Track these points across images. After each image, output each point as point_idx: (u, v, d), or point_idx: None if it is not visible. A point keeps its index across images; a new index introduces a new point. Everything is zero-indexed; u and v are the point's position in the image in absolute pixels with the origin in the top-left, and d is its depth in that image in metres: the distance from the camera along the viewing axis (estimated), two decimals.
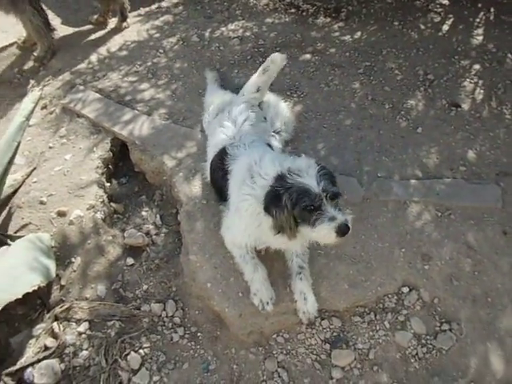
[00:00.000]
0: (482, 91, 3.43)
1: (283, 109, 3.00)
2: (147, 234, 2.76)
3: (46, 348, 2.23)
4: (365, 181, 2.80)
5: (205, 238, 2.48)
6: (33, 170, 2.93)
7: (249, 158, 2.19)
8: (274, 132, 2.81)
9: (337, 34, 4.07)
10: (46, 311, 2.35)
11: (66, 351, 2.24)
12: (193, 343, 2.28)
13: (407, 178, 2.83)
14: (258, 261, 2.26)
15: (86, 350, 2.24)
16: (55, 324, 2.29)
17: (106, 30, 4.07)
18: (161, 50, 3.82)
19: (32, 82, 3.58)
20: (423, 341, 2.21)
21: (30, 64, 3.80)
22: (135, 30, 4.07)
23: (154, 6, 4.44)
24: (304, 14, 4.36)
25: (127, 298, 2.46)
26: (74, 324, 2.32)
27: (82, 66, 3.65)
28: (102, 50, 3.82)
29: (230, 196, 2.29)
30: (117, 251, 2.64)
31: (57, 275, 2.47)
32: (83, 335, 2.29)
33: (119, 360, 2.20)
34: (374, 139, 3.07)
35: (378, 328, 2.25)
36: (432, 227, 2.57)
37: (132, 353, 2.22)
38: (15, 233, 2.60)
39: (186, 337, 2.30)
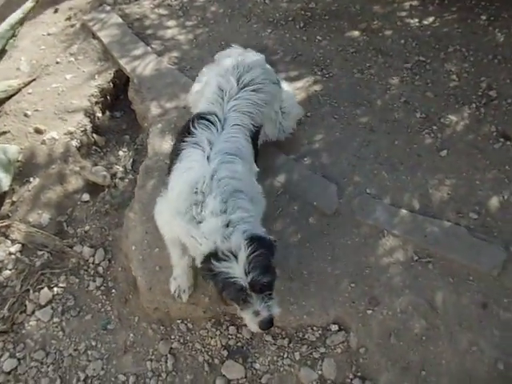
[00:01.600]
0: None
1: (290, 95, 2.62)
2: (113, 175, 2.67)
3: None
4: (348, 192, 2.42)
5: (150, 198, 2.31)
6: (32, 81, 2.91)
7: (198, 171, 1.82)
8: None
9: (403, 13, 3.45)
10: None
11: None
12: (104, 297, 2.21)
13: (399, 205, 2.39)
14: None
15: (10, 270, 2.27)
16: None
17: None
18: None
19: None
20: None
21: None
22: None
23: None
24: None
25: (66, 234, 2.43)
26: (8, 242, 2.35)
27: None
28: None
29: (169, 180, 1.99)
30: (78, 184, 2.59)
31: (13, 189, 2.49)
32: (12, 256, 2.31)
33: (31, 291, 2.20)
34: (383, 148, 2.63)
35: (285, 356, 2.00)
36: (399, 270, 2.17)
37: (46, 288, 2.21)
38: None
39: (101, 289, 2.24)
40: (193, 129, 2.01)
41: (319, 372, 1.96)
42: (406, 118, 2.80)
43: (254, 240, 1.67)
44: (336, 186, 2.42)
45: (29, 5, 2.44)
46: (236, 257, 1.64)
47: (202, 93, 2.31)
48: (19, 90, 2.85)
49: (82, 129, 2.72)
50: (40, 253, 2.32)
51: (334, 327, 2.05)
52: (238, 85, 2.16)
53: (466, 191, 2.48)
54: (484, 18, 3.45)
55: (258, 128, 2.22)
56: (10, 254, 2.31)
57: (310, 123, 2.69)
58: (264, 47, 3.09)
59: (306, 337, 2.04)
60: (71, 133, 2.66)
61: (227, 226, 1.70)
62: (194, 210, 1.74)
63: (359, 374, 1.96)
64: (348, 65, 3.05)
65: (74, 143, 2.66)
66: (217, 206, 1.71)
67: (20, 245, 2.34)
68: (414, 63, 3.12)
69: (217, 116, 2.05)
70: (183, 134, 2.06)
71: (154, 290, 2.11)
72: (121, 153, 2.78)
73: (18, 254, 2.31)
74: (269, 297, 1.72)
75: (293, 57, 3.07)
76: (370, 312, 2.06)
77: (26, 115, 2.74)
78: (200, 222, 1.72)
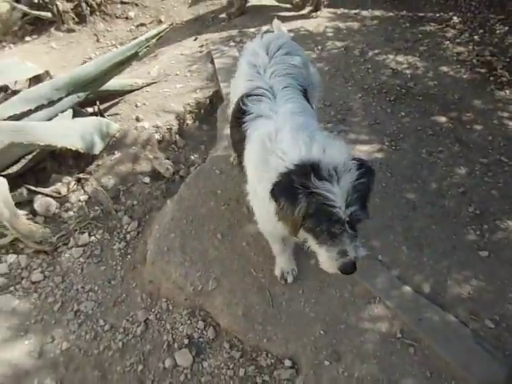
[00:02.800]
0: None
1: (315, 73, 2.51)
2: (177, 171, 3.14)
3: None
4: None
5: (190, 193, 2.70)
6: (152, 83, 3.64)
7: (268, 127, 1.74)
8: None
9: (505, 114, 3.37)
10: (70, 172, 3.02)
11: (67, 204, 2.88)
12: (120, 258, 2.59)
13: (406, 282, 2.33)
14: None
15: (73, 212, 2.81)
16: (70, 184, 2.95)
17: (294, 13, 4.39)
18: (319, 47, 3.95)
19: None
20: None
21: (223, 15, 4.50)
22: (317, 22, 4.27)
23: (354, 11, 4.50)
24: (491, 77, 3.69)
25: (119, 200, 2.90)
26: (82, 191, 2.93)
27: (251, 30, 4.12)
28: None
29: (246, 170, 1.92)
30: (146, 168, 3.09)
31: (102, 155, 3.13)
32: (79, 203, 2.85)
33: (77, 232, 2.70)
34: (416, 227, 2.58)
35: (231, 367, 2.10)
36: (375, 339, 2.11)
37: (87, 234, 2.70)
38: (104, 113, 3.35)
39: (121, 251, 2.63)
40: (245, 107, 1.89)
41: None
42: (456, 207, 2.71)
43: (361, 165, 1.47)
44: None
45: (164, 27, 3.18)
46: (339, 179, 1.41)
47: (237, 81, 2.25)
48: (141, 87, 3.60)
49: (168, 127, 3.29)
50: (96, 207, 2.87)
51: (288, 363, 2.08)
52: (268, 54, 2.09)
53: (492, 299, 2.29)
54: None
55: (305, 89, 2.11)
56: (79, 201, 2.90)
57: None
58: (348, 108, 3.33)
59: (258, 359, 2.12)
60: (158, 127, 3.25)
61: (331, 142, 1.55)
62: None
63: None
64: (420, 144, 3.08)
65: (157, 136, 3.22)
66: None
67: (87, 196, 2.92)
68: (493, 161, 3.01)
69: (262, 88, 1.93)
70: (237, 117, 1.95)
71: (155, 265, 2.43)
72: (192, 157, 3.26)
73: (83, 203, 2.88)
74: (357, 235, 1.52)
75: (370, 123, 3.23)
76: (327, 364, 2.05)
77: (136, 106, 3.45)
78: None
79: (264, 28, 4.14)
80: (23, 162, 2.92)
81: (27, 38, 4.41)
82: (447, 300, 2.28)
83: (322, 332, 2.14)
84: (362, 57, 3.85)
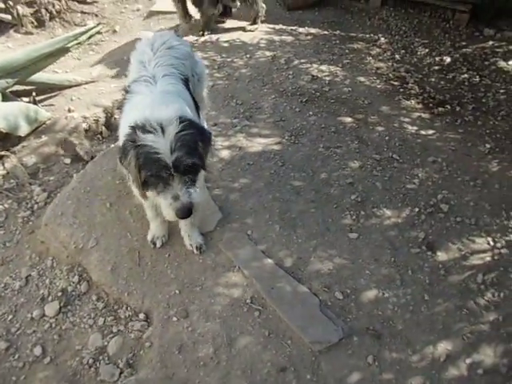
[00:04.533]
0: None
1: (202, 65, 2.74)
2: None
3: None
4: (229, 225, 2.60)
5: (95, 169, 2.91)
6: (90, 82, 3.91)
7: (141, 99, 1.93)
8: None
9: (406, 119, 3.59)
10: None
11: None
12: (21, 224, 2.74)
13: (270, 256, 2.47)
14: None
15: None
16: None
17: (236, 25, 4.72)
18: (248, 55, 4.24)
19: None
20: None
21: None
22: (254, 35, 4.59)
23: (291, 27, 4.82)
24: (402, 89, 3.95)
25: (37, 176, 3.09)
26: (1, 167, 3.15)
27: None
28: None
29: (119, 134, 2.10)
30: (68, 152, 3.31)
31: (29, 138, 3.36)
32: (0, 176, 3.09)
33: None
34: (295, 210, 2.74)
35: (92, 316, 2.24)
36: (225, 302, 2.24)
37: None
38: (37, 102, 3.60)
39: (24, 218, 2.77)
40: (129, 89, 2.08)
41: (105, 343, 2.15)
42: (340, 195, 2.87)
43: (186, 121, 1.63)
44: (221, 215, 2.64)
45: (92, 26, 3.50)
46: (163, 131, 1.56)
47: (128, 78, 2.41)
48: (80, 84, 3.86)
49: (95, 118, 3.50)
50: (12, 181, 3.05)
51: (142, 316, 2.22)
52: (152, 50, 2.27)
53: (349, 274, 2.43)
54: (488, 146, 3.36)
55: (186, 78, 2.30)
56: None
57: (244, 170, 2.99)
58: (258, 107, 3.56)
59: (118, 311, 2.25)
60: (86, 118, 3.48)
61: (164, 105, 1.69)
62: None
63: (131, 361, 2.08)
64: (319, 140, 3.28)
65: (84, 125, 3.45)
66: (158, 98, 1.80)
67: (6, 172, 3.12)
68: (385, 157, 3.19)
69: (145, 75, 2.10)
70: (123, 99, 2.17)
71: (47, 227, 2.59)
72: (113, 145, 3.48)
73: (0, 177, 3.09)
74: (192, 183, 1.65)
75: (275, 120, 3.44)
76: (174, 319, 2.18)
77: (71, 99, 3.70)
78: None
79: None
80: None
81: None
82: (305, 274, 2.41)
83: (177, 291, 2.29)
84: (287, 65, 4.12)
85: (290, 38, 4.58)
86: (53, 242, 2.56)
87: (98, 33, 4.75)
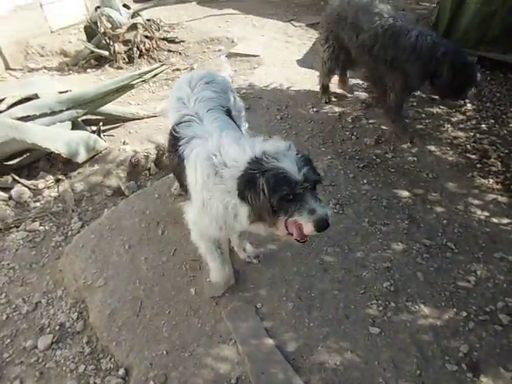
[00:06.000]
0: None
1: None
2: None
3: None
4: (240, 294, 2.50)
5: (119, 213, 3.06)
6: (152, 116, 4.20)
7: (206, 145, 1.97)
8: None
9: (476, 202, 3.20)
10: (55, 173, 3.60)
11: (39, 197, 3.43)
12: (53, 249, 2.98)
13: (274, 336, 2.32)
14: (226, 257, 2.45)
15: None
16: (49, 182, 3.52)
17: None
18: (315, 109, 4.20)
19: None
20: None
21: None
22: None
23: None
24: (479, 164, 3.53)
25: (80, 203, 3.39)
26: (55, 189, 3.48)
27: None
28: None
29: (189, 188, 2.11)
30: (113, 183, 3.51)
31: (85, 165, 3.68)
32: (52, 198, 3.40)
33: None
34: (317, 288, 2.57)
35: (76, 361, 2.28)
36: (208, 377, 2.13)
37: (37, 223, 3.19)
38: (101, 132, 3.95)
39: (59, 243, 3.00)
40: (177, 134, 2.15)
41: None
42: (371, 280, 2.62)
43: (294, 148, 1.79)
44: (233, 281, 2.54)
45: (156, 66, 3.78)
46: (285, 155, 1.69)
47: (169, 116, 2.50)
48: (142, 118, 4.17)
49: (146, 154, 3.74)
50: (60, 204, 3.31)
51: (121, 372, 2.22)
52: (190, 86, 2.39)
53: (357, 377, 2.18)
54: None
55: (228, 109, 2.41)
56: (50, 196, 3.38)
57: None
58: None
59: (101, 361, 2.28)
60: (136, 152, 3.72)
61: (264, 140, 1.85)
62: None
63: None
64: (366, 213, 3.07)
65: (133, 160, 3.69)
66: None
67: (58, 194, 3.42)
68: (437, 244, 2.86)
69: (188, 114, 2.20)
70: (172, 144, 2.21)
71: (67, 257, 2.81)
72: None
73: (52, 199, 3.35)
74: (318, 199, 1.73)
75: (324, 184, 3.28)
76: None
77: (129, 132, 4.01)
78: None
79: None
80: (23, 157, 3.59)
81: (88, 70, 5.41)
82: (307, 364, 2.22)
83: (164, 352, 2.25)
84: (353, 124, 3.98)
85: (364, 94, 4.44)
86: (68, 272, 2.72)
87: (177, 69, 5.17)
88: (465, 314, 2.45)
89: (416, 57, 3.27)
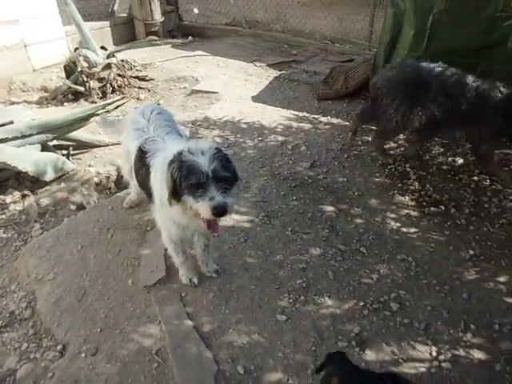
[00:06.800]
0: None
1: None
2: None
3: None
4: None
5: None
6: (116, 144, 4.80)
7: (164, 153, 2.48)
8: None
9: (392, 215, 3.76)
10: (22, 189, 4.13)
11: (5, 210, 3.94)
12: (13, 252, 3.45)
13: (193, 318, 2.79)
14: (187, 252, 2.95)
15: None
16: (15, 197, 4.04)
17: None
18: (260, 138, 4.83)
19: None
20: None
21: None
22: (274, 119, 5.21)
23: (314, 115, 5.36)
24: (400, 184, 4.12)
25: (44, 216, 3.90)
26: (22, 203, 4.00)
27: None
28: None
29: (152, 191, 2.64)
30: (77, 199, 4.07)
31: (51, 184, 4.22)
32: (17, 212, 3.93)
33: None
34: (234, 284, 3.05)
35: (20, 340, 2.71)
36: (133, 349, 2.58)
37: (1, 231, 3.68)
38: (70, 155, 4.52)
39: (18, 247, 3.51)
40: (144, 149, 2.72)
41: (17, 367, 2.55)
42: (286, 278, 3.09)
43: (217, 148, 2.25)
44: (165, 274, 3.06)
45: (117, 98, 4.42)
46: (203, 153, 2.14)
47: (127, 144, 3.07)
48: (107, 145, 4.78)
49: (107, 175, 4.30)
50: (24, 216, 3.82)
51: (59, 347, 2.63)
52: (146, 119, 2.96)
53: (260, 352, 2.59)
54: (471, 252, 3.35)
55: (179, 133, 3.02)
56: (15, 209, 3.87)
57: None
58: (247, 186, 4.03)
59: (43, 340, 2.69)
60: (99, 173, 4.29)
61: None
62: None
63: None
64: (291, 224, 3.58)
65: (96, 179, 4.24)
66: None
67: (22, 208, 3.93)
68: (351, 249, 3.35)
69: (152, 137, 2.80)
70: (141, 158, 2.75)
71: (23, 256, 3.25)
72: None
73: (16, 212, 3.87)
74: (227, 191, 2.14)
75: (257, 200, 3.85)
76: (82, 356, 2.56)
77: (95, 157, 4.59)
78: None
79: None
80: None
81: (65, 104, 6.07)
82: (217, 342, 2.65)
83: (98, 330, 2.70)
84: (292, 150, 4.60)
85: (307, 126, 5.12)
86: (22, 269, 3.18)
87: None
88: (362, 303, 2.93)
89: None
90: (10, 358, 2.62)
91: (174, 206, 2.34)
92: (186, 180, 2.14)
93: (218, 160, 2.16)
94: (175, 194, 2.27)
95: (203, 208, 2.12)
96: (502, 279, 3.12)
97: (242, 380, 2.46)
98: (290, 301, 2.95)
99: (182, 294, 2.95)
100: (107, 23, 8.37)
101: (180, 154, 2.22)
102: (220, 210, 2.09)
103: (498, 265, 3.24)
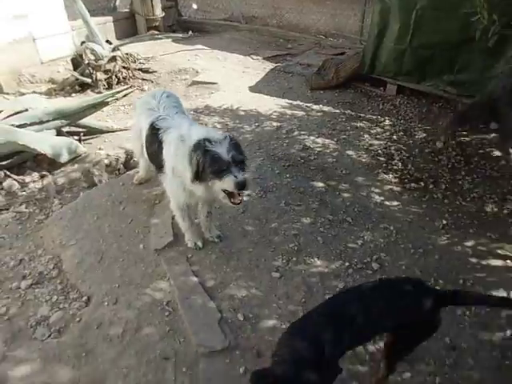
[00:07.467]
0: None
1: None
2: None
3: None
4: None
5: (94, 194, 3.99)
6: (124, 130, 5.21)
7: (179, 130, 2.91)
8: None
9: (376, 190, 4.19)
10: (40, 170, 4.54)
11: (26, 188, 4.35)
12: (35, 224, 3.86)
13: (199, 275, 3.20)
14: (192, 219, 3.37)
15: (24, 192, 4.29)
16: (34, 177, 4.44)
17: None
18: (256, 124, 5.24)
19: None
20: None
21: None
22: (269, 106, 5.62)
23: (307, 104, 5.78)
24: (385, 164, 4.55)
25: (61, 193, 4.31)
26: (38, 183, 4.41)
27: None
28: None
29: (164, 162, 3.03)
30: (90, 180, 4.49)
31: (66, 164, 4.62)
32: (37, 189, 4.33)
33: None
34: (235, 247, 3.48)
35: (51, 294, 3.12)
36: (147, 299, 3.00)
37: (23, 206, 4.09)
38: (82, 140, 4.93)
39: (40, 220, 3.91)
40: (156, 126, 3.12)
41: (50, 314, 2.95)
42: (280, 242, 3.49)
43: (231, 137, 2.73)
44: (172, 239, 3.47)
45: (126, 87, 4.82)
46: (221, 143, 2.61)
47: (139, 121, 3.52)
48: (115, 131, 5.18)
49: (116, 157, 4.71)
50: (43, 193, 4.23)
51: (84, 298, 3.04)
52: (156, 100, 3.38)
53: (257, 303, 3.00)
54: (444, 222, 3.77)
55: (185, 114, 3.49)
56: (35, 187, 4.30)
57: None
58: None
59: (70, 293, 3.09)
60: (109, 156, 4.69)
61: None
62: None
63: (61, 330, 2.87)
64: (285, 197, 3.99)
65: (106, 161, 4.64)
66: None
67: (42, 186, 4.33)
68: (338, 219, 3.77)
69: (162, 115, 3.21)
70: (152, 134, 3.16)
71: (48, 226, 3.66)
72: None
73: (36, 190, 4.27)
74: (243, 170, 2.65)
75: (254, 177, 4.25)
76: (105, 305, 2.96)
77: (104, 141, 4.99)
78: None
79: None
80: (13, 158, 4.54)
81: (73, 94, 6.46)
82: (220, 295, 3.05)
83: (117, 285, 3.11)
84: (287, 135, 5.01)
85: (301, 113, 5.53)
86: (47, 237, 3.59)
87: None
88: (347, 264, 3.35)
89: None
90: (43, 307, 3.02)
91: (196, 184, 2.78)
92: (211, 167, 2.60)
93: (234, 147, 2.65)
94: (198, 176, 2.71)
95: (228, 185, 2.61)
96: (468, 244, 3.55)
97: (242, 325, 2.87)
98: (284, 261, 3.36)
99: (188, 256, 3.36)
100: (110, 18, 8.75)
101: (201, 142, 2.63)
102: (242, 185, 2.60)
103: (466, 232, 3.68)
